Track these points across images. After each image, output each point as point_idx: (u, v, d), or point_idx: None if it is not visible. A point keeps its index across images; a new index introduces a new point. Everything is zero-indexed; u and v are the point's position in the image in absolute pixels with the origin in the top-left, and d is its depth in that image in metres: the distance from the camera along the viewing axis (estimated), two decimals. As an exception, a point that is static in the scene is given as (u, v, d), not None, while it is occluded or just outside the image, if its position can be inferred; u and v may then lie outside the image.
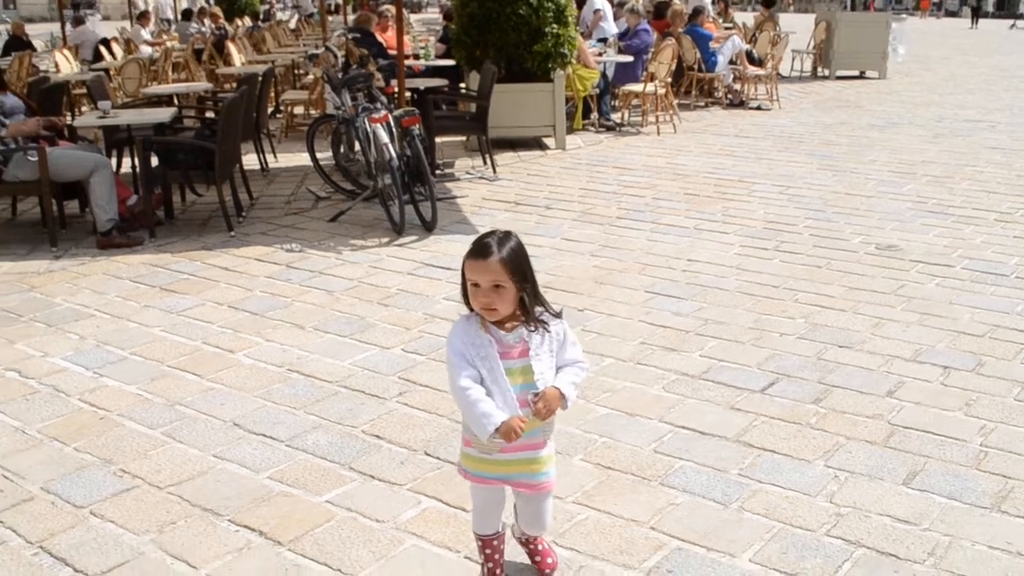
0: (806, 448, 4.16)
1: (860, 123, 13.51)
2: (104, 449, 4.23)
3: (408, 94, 10.20)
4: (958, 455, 4.08)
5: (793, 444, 4.20)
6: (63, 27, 18.52)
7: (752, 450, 4.15)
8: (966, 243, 7.27)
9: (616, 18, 16.00)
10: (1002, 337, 5.41)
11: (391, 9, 13.96)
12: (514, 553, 3.31)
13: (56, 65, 15.18)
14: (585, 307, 5.94)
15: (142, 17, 20.88)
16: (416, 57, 13.49)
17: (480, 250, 2.76)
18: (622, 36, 14.42)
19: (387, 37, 13.38)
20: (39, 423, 4.49)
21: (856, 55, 19.23)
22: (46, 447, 4.26)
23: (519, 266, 2.77)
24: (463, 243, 7.32)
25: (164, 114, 8.59)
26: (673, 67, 13.30)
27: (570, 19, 11.15)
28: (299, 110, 13.49)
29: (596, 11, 15.51)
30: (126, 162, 9.09)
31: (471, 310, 2.86)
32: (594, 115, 13.24)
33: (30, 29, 19.93)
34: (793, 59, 19.97)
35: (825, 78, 19.37)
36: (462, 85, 11.96)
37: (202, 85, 13.01)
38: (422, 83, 10.97)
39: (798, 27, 23.22)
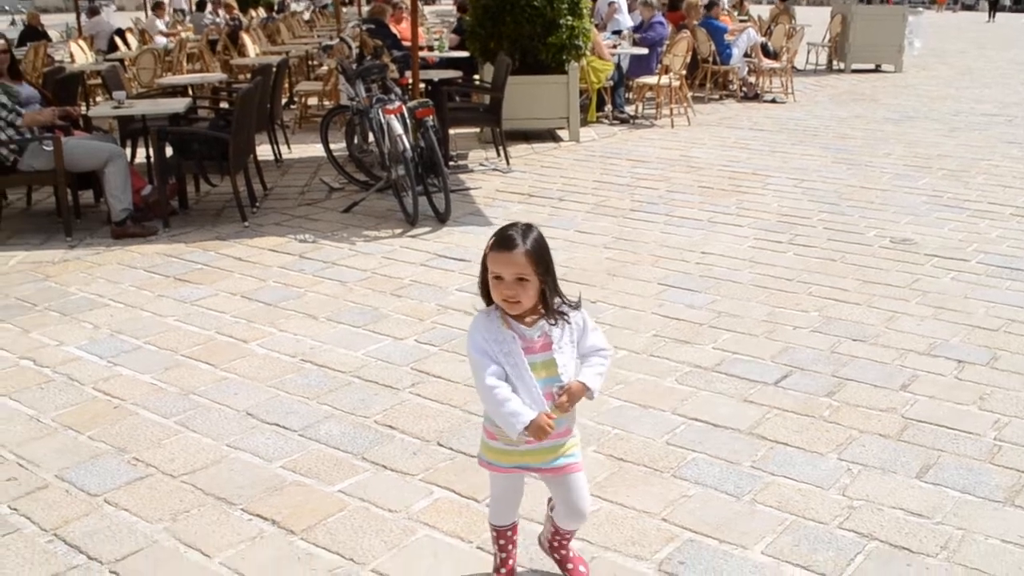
0: (819, 441, 4.15)
1: (875, 117, 13.45)
2: (118, 438, 4.25)
3: (422, 85, 10.20)
4: (972, 449, 4.06)
5: (806, 437, 4.19)
6: (78, 17, 18.54)
7: (765, 442, 4.14)
8: (981, 237, 7.23)
9: (631, 10, 15.97)
10: (1017, 331, 5.37)
11: (405, 0, 13.96)
12: (524, 560, 3.31)
13: (71, 55, 15.23)
14: (598, 299, 5.93)
15: (157, 8, 20.88)
16: (430, 49, 13.48)
17: (504, 242, 2.72)
18: (637, 28, 14.39)
19: (401, 28, 13.37)
20: (53, 411, 4.52)
21: (872, 48, 19.12)
22: (60, 435, 4.28)
23: (543, 258, 2.74)
24: (476, 235, 7.37)
25: (179, 104, 8.61)
26: (687, 60, 13.26)
27: (584, 11, 11.13)
28: (313, 101, 13.51)
29: (611, 3, 15.49)
30: (140, 152, 9.12)
31: (487, 304, 2.84)
32: (608, 107, 13.22)
33: (45, 19, 19.99)
34: (808, 52, 19.89)
35: (840, 71, 19.27)
36: (476, 77, 11.95)
37: (216, 76, 13.05)
38: (436, 74, 10.97)
39: (813, 20, 23.15)
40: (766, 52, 15.71)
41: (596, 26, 13.13)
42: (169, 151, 8.06)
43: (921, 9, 28.24)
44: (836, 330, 5.41)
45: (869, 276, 6.35)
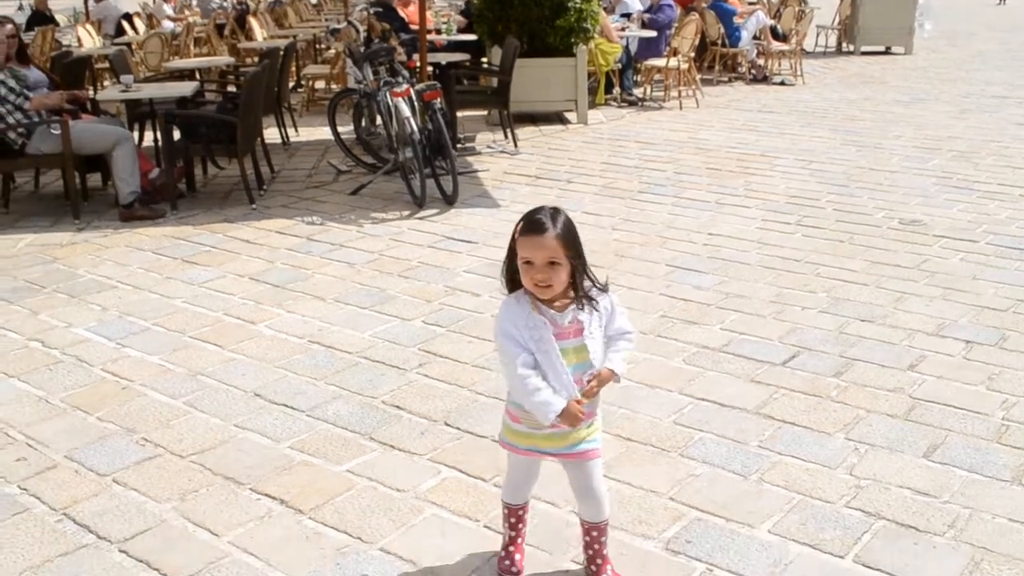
0: (826, 421, 4.15)
1: (885, 99, 13.38)
2: (127, 418, 4.27)
3: (430, 68, 10.17)
4: (979, 428, 4.06)
5: (813, 417, 4.18)
6: (86, 2, 18.49)
7: (772, 422, 4.14)
8: (990, 218, 7.20)
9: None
10: (1026, 312, 5.37)
11: (413, -17, 13.91)
12: (532, 540, 3.31)
13: (79, 39, 15.20)
14: (606, 280, 5.90)
15: (164, -8, 20.83)
16: (438, 32, 13.44)
17: (534, 226, 2.68)
18: (646, 11, 14.32)
19: (409, 12, 13.32)
20: (62, 392, 4.53)
21: (882, 31, 18.99)
22: (69, 416, 4.30)
23: (573, 241, 2.72)
24: (484, 216, 7.37)
25: (186, 88, 8.62)
26: (696, 42, 13.20)
27: (593, -7, 11.09)
28: (320, 84, 13.49)
29: (619, -14, 15.40)
30: (148, 136, 9.14)
31: (509, 291, 2.82)
32: (616, 90, 13.17)
33: (53, 4, 19.92)
34: (818, 34, 19.76)
35: (850, 54, 19.16)
36: (484, 60, 11.92)
37: (224, 60, 13.02)
38: (444, 57, 10.94)
39: (823, 2, 22.96)
40: (775, 34, 15.63)
41: (605, 9, 13.08)
42: (177, 134, 8.06)
43: (932, -9, 28.03)
44: (844, 311, 5.40)
45: (877, 257, 6.33)
